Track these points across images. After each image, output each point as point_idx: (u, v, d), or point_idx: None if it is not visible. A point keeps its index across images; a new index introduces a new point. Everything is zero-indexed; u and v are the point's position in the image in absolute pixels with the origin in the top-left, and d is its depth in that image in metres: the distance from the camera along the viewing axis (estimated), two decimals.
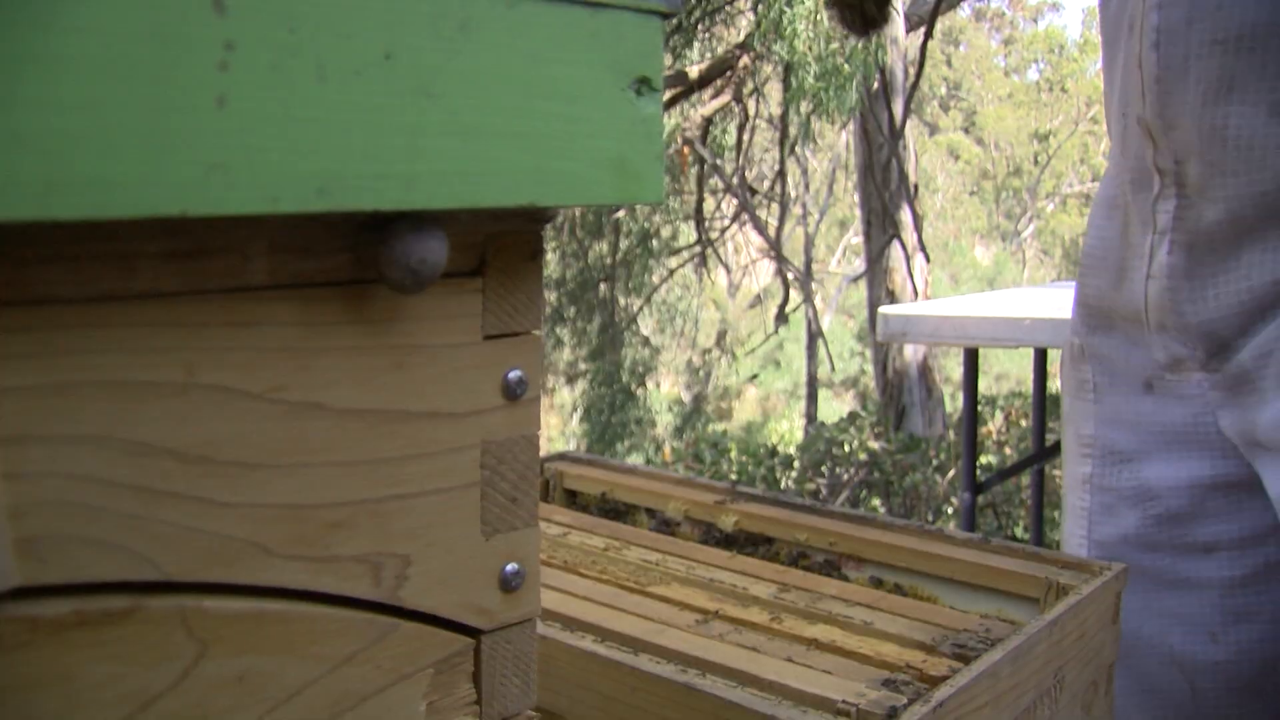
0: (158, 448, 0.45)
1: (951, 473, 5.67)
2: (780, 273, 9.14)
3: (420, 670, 0.53)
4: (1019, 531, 4.95)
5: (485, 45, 0.46)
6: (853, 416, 7.32)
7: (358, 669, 0.51)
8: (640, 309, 9.38)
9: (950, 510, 5.51)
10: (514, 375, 0.55)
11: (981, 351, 3.41)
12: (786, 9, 6.17)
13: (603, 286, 8.85)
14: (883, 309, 2.96)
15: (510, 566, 0.56)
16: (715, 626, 1.03)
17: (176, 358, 0.45)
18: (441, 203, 0.46)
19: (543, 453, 1.15)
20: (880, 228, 7.15)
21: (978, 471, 3.56)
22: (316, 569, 0.49)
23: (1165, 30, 1.13)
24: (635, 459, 8.12)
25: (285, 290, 0.47)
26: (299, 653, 0.49)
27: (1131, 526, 1.32)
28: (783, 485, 6.11)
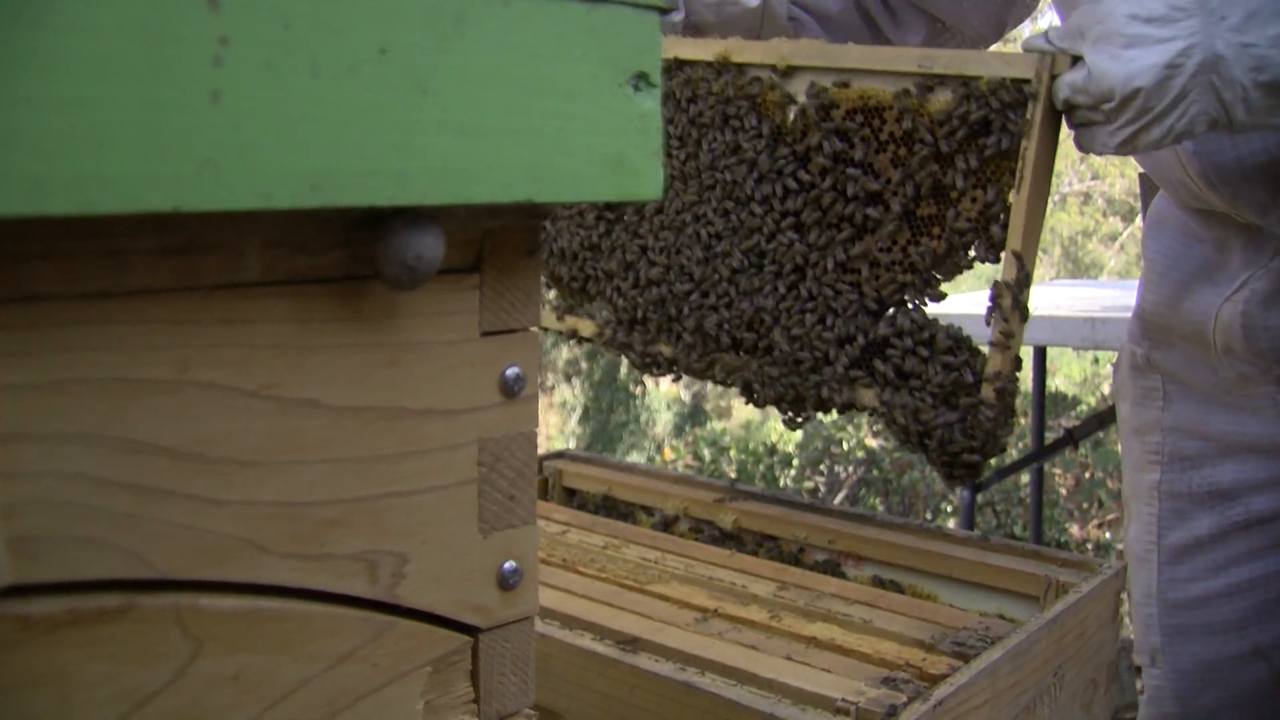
0: (151, 445, 0.44)
1: None
2: None
3: (417, 668, 0.53)
4: (1018, 530, 4.95)
5: (480, 41, 0.46)
6: (851, 414, 7.29)
7: (354, 667, 0.51)
8: None
9: (949, 509, 5.51)
10: (511, 372, 0.55)
11: None
12: None
13: None
14: None
15: (508, 564, 0.56)
16: (714, 625, 1.03)
17: (170, 355, 0.45)
18: (436, 199, 0.46)
19: (541, 451, 1.14)
20: None
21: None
22: (312, 567, 0.49)
23: (1218, 175, 1.18)
24: (635, 458, 8.12)
25: (279, 287, 0.47)
26: (295, 651, 0.49)
27: (1205, 529, 1.34)
28: (781, 483, 6.10)
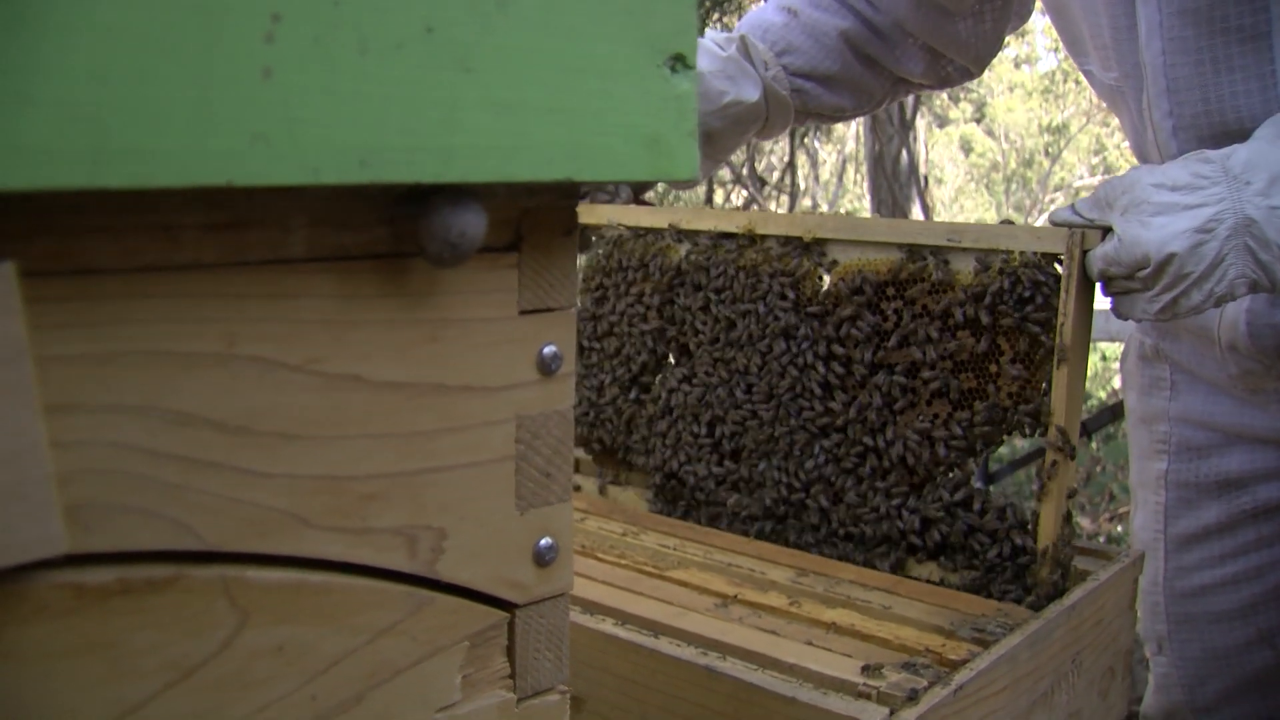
0: (198, 418, 0.45)
1: None
2: None
3: (456, 643, 0.54)
4: None
5: (522, 20, 0.47)
6: None
7: (394, 641, 0.51)
8: None
9: None
10: (549, 350, 0.55)
11: None
12: None
13: None
14: None
15: (544, 541, 0.57)
16: (734, 610, 1.03)
17: (217, 329, 0.45)
18: (479, 176, 0.46)
19: None
20: (890, 218, 7.14)
21: (989, 462, 3.56)
22: (353, 540, 0.50)
23: None
24: None
25: (324, 263, 0.48)
26: (337, 623, 0.49)
27: (1213, 517, 1.35)
28: None
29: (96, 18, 0.36)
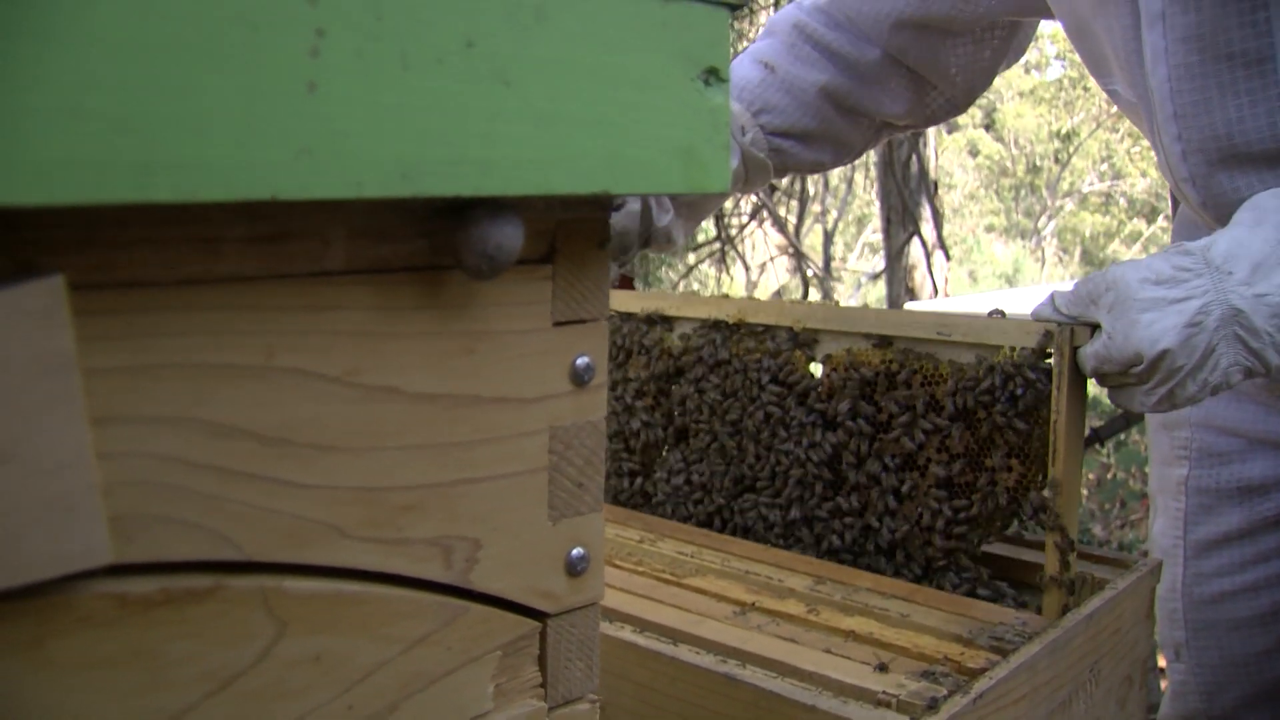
0: (238, 429, 0.45)
1: None
2: (799, 269, 9.13)
3: (489, 653, 0.54)
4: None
5: (560, 33, 0.47)
6: None
7: (429, 651, 0.51)
8: None
9: None
10: (582, 361, 0.56)
11: None
12: None
13: None
14: (906, 306, 2.96)
15: (576, 551, 0.57)
16: (752, 618, 1.03)
17: (256, 341, 0.46)
18: (517, 189, 0.46)
19: None
20: (900, 224, 7.12)
21: None
22: (389, 551, 0.50)
23: (1212, 200, 1.17)
24: None
25: (362, 275, 0.48)
26: (373, 633, 0.49)
27: (1234, 524, 1.34)
28: None
29: (144, 33, 0.37)
